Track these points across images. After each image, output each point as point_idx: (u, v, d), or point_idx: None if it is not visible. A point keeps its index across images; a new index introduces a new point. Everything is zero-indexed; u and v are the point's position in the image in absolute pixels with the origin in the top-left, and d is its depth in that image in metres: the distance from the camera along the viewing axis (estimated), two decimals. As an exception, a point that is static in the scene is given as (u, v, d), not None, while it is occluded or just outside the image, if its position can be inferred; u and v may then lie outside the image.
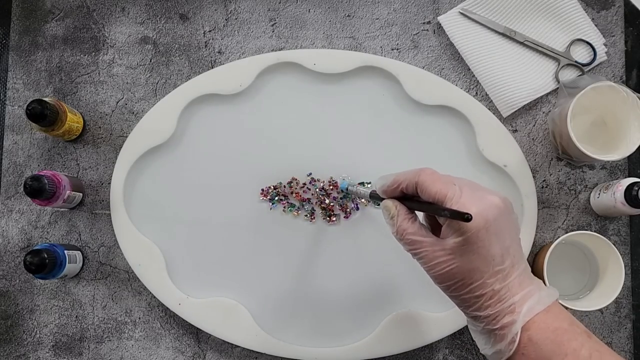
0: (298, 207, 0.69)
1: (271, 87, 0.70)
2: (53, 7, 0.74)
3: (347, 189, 0.67)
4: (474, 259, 0.44)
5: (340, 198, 0.69)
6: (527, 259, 0.68)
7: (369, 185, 0.69)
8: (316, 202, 0.69)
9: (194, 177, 0.70)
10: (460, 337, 0.70)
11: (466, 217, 0.42)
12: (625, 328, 0.70)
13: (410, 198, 0.50)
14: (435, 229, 0.50)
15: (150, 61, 0.73)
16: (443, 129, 0.70)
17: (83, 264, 0.70)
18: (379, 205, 0.63)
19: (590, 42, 0.71)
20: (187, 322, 0.68)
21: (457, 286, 0.46)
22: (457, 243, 0.44)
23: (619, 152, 0.64)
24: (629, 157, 0.70)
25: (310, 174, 0.69)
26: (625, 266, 0.64)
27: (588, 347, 0.44)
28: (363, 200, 0.69)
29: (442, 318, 0.67)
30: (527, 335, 0.45)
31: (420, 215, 0.50)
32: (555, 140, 0.69)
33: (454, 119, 0.70)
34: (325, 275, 0.69)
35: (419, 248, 0.47)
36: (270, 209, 0.69)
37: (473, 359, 0.69)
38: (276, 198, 0.69)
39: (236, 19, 0.73)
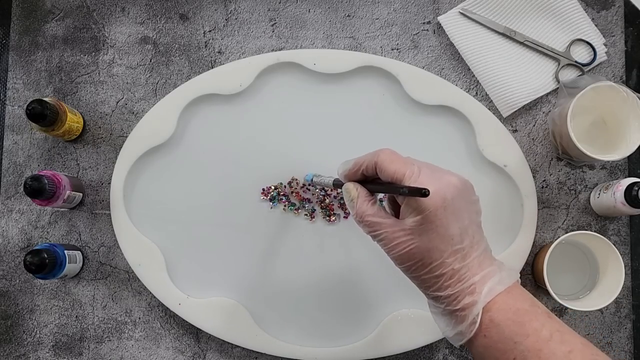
0: (298, 207, 0.69)
1: (271, 87, 0.70)
2: (53, 7, 0.74)
3: (312, 181, 0.66)
4: (432, 237, 0.45)
5: (341, 197, 0.69)
6: (527, 259, 0.68)
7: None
8: (316, 202, 0.69)
9: (194, 177, 0.70)
10: (460, 337, 0.70)
11: (423, 192, 0.42)
12: (625, 328, 0.70)
13: (371, 181, 0.50)
14: (397, 213, 0.50)
15: (150, 61, 0.73)
16: (443, 129, 0.70)
17: (83, 264, 0.70)
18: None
19: (590, 42, 0.71)
20: (187, 322, 0.68)
21: (417, 266, 0.46)
22: (416, 222, 0.45)
23: (619, 152, 0.64)
24: (629, 157, 0.70)
25: (310, 174, 0.69)
26: (625, 266, 0.64)
27: (549, 327, 0.44)
28: (328, 189, 0.68)
29: (442, 318, 0.67)
30: (488, 316, 0.45)
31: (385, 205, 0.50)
32: (555, 140, 0.69)
33: (454, 119, 0.70)
34: (325, 274, 0.69)
35: (379, 229, 0.47)
36: (271, 207, 0.69)
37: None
38: (276, 197, 0.69)
39: (236, 19, 0.73)
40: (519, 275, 0.48)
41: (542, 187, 0.71)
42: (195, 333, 0.70)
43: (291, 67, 0.70)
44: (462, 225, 0.45)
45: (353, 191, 0.50)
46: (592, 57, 0.71)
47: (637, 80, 0.72)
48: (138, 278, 0.68)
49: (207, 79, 0.70)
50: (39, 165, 0.72)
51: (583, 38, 0.71)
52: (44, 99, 0.64)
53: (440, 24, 0.72)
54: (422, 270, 0.46)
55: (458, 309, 0.45)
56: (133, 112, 0.72)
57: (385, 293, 0.68)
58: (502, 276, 0.46)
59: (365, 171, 0.49)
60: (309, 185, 0.69)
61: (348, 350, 0.67)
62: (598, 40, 0.72)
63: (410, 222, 0.45)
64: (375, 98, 0.70)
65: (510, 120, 0.72)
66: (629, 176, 0.71)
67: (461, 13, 0.72)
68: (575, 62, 0.71)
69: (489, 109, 0.70)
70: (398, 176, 0.46)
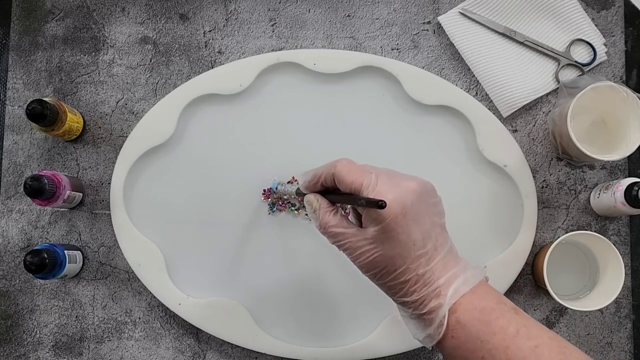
0: (298, 207, 0.69)
1: (271, 87, 0.70)
2: (53, 7, 0.74)
3: (277, 189, 0.66)
4: (394, 245, 0.45)
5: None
6: (527, 259, 0.68)
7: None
8: (316, 202, 0.69)
9: (194, 177, 0.70)
10: (460, 337, 0.70)
11: (380, 204, 0.42)
12: (625, 328, 0.70)
13: (332, 191, 0.50)
14: (361, 222, 0.49)
15: (150, 61, 0.73)
16: (443, 129, 0.70)
17: (83, 264, 0.70)
18: None
19: (590, 42, 0.71)
20: (187, 322, 0.68)
21: (382, 274, 0.46)
22: (377, 231, 0.45)
23: (619, 152, 0.64)
24: (629, 157, 0.70)
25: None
26: (625, 266, 0.64)
27: (515, 323, 0.44)
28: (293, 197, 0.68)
29: (442, 318, 0.67)
30: (454, 317, 0.45)
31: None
32: (555, 140, 0.69)
33: (454, 119, 0.70)
34: (325, 274, 0.69)
35: (342, 239, 0.47)
36: (271, 212, 0.69)
37: (473, 359, 0.69)
38: (275, 204, 0.69)
39: (236, 19, 0.73)
40: (486, 272, 0.48)
41: (542, 187, 0.71)
42: (195, 333, 0.70)
43: (291, 67, 0.70)
44: (423, 230, 0.45)
45: (314, 202, 0.50)
46: (592, 57, 0.71)
47: (637, 80, 0.72)
48: (138, 278, 0.68)
49: (207, 79, 0.70)
50: (39, 165, 0.72)
51: (583, 38, 0.71)
52: (44, 99, 0.64)
53: (440, 24, 0.72)
54: (387, 277, 0.46)
55: (425, 313, 0.46)
56: (133, 112, 0.72)
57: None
58: (467, 276, 0.46)
59: (324, 182, 0.49)
60: (275, 192, 0.68)
61: (348, 350, 0.67)
62: (598, 40, 0.72)
63: (371, 232, 0.45)
64: (375, 98, 0.70)
65: (510, 120, 0.72)
66: (629, 176, 0.71)
67: (461, 13, 0.72)
68: (575, 62, 0.71)
69: (489, 109, 0.70)
70: (356, 186, 0.46)
